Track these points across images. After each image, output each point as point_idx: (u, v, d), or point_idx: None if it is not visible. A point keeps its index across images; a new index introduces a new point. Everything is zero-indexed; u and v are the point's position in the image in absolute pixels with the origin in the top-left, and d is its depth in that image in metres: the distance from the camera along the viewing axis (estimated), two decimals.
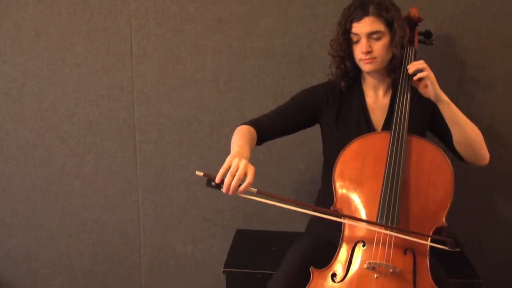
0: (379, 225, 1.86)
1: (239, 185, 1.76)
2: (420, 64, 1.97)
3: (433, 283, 1.83)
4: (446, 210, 1.93)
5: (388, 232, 1.85)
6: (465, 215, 2.69)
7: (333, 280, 1.86)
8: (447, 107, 1.98)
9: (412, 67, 1.98)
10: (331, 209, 1.97)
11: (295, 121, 2.19)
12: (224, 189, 1.77)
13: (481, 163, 2.11)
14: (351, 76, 2.17)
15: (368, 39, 2.03)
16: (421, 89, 1.98)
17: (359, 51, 2.06)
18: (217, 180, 1.78)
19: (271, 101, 2.68)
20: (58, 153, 2.87)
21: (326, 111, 2.18)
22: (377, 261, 1.83)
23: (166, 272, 2.96)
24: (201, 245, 2.91)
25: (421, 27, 2.28)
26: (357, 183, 1.97)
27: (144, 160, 2.83)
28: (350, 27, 2.06)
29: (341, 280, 1.85)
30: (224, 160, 2.73)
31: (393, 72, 2.11)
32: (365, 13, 2.02)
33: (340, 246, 1.92)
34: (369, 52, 2.04)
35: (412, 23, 2.23)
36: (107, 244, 2.98)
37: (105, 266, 3.01)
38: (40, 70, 2.78)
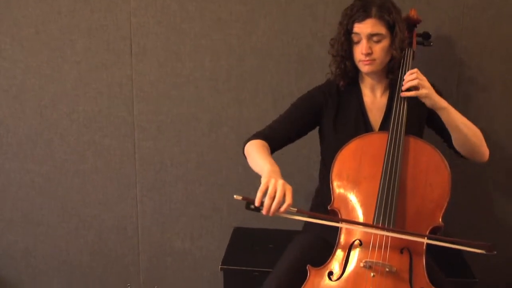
0: (381, 228, 1.87)
1: (279, 207, 1.77)
2: (413, 81, 1.98)
3: (429, 282, 1.84)
4: (443, 210, 1.94)
5: (387, 234, 1.86)
6: (462, 215, 2.72)
7: (330, 279, 1.87)
8: (446, 113, 2.00)
9: (405, 84, 2.00)
10: (328, 208, 1.98)
11: (299, 128, 2.21)
12: (264, 212, 1.79)
13: (481, 160, 2.13)
14: (350, 75, 2.19)
15: (369, 41, 2.05)
16: (419, 98, 2.01)
17: (359, 52, 2.08)
18: (257, 203, 1.78)
19: (270, 101, 2.69)
20: (57, 149, 2.88)
21: (326, 113, 2.19)
22: (374, 260, 1.84)
23: (164, 269, 2.98)
24: (199, 242, 2.92)
25: (419, 29, 2.30)
26: (354, 183, 1.98)
27: (143, 157, 2.85)
28: (352, 28, 2.07)
29: (338, 279, 1.86)
30: (222, 158, 2.77)
31: (391, 73, 2.13)
32: (367, 15, 2.03)
33: (337, 245, 1.93)
34: (369, 54, 2.05)
35: (411, 24, 2.25)
36: (106, 241, 2.99)
37: (104, 262, 3.03)
38: (39, 68, 2.79)
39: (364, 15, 2.03)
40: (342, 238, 1.94)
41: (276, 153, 2.70)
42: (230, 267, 2.43)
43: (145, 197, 2.90)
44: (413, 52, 2.19)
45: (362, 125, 2.16)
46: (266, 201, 1.76)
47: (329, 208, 1.98)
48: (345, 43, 2.11)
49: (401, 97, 2.05)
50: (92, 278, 3.05)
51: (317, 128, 2.26)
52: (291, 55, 2.65)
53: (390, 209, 1.88)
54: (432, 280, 1.85)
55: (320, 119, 2.21)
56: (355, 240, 1.91)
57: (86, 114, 2.82)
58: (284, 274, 2.00)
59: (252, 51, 2.66)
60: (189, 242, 2.93)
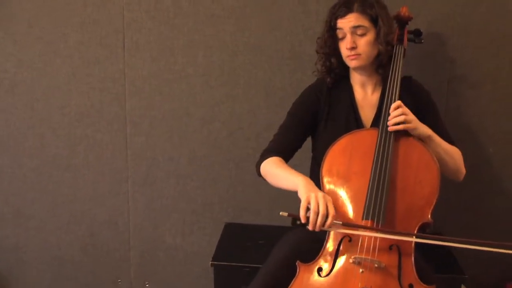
0: (371, 229, 1.88)
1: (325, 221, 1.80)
2: (399, 117, 1.99)
3: (417, 278, 1.84)
4: (432, 207, 1.95)
5: (379, 235, 1.87)
6: (452, 212, 2.73)
7: (319, 274, 1.88)
8: (430, 140, 2.04)
9: (391, 119, 2.01)
10: None
11: (303, 133, 2.24)
12: (311, 227, 1.81)
13: (456, 180, 2.19)
14: (337, 72, 2.20)
15: (353, 35, 2.07)
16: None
17: (344, 48, 2.10)
18: (302, 220, 1.81)
19: (262, 97, 2.69)
20: (49, 144, 2.88)
21: (320, 111, 2.21)
22: (363, 256, 1.85)
23: (155, 264, 2.98)
24: (190, 238, 2.92)
25: (411, 26, 2.31)
26: (344, 179, 1.99)
27: (135, 152, 2.84)
28: (335, 24, 2.10)
29: (327, 275, 1.87)
30: (214, 153, 2.77)
31: (381, 68, 2.14)
32: (349, 10, 2.07)
33: (327, 241, 1.94)
34: (353, 48, 2.07)
35: (402, 22, 2.25)
36: (97, 236, 2.99)
37: (95, 257, 3.02)
38: (32, 62, 2.78)
39: (346, 10, 2.07)
40: (332, 235, 1.94)
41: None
42: (221, 262, 2.43)
43: (137, 192, 2.90)
44: (404, 49, 2.20)
45: (354, 122, 2.17)
46: (311, 216, 1.80)
47: None
48: (329, 40, 2.14)
49: (392, 94, 2.07)
50: (82, 273, 3.04)
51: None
52: (284, 51, 2.65)
53: (379, 205, 1.89)
54: (420, 276, 1.86)
55: (316, 118, 2.22)
56: (344, 237, 1.92)
57: (78, 109, 2.82)
58: (274, 270, 2.01)
59: (244, 47, 2.67)
60: (180, 237, 2.93)
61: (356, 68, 2.16)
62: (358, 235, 1.89)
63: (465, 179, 2.67)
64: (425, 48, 2.49)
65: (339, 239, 1.92)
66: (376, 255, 1.85)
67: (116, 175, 2.89)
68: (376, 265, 1.84)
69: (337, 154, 2.04)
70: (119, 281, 3.02)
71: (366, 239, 1.88)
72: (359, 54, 2.09)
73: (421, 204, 1.95)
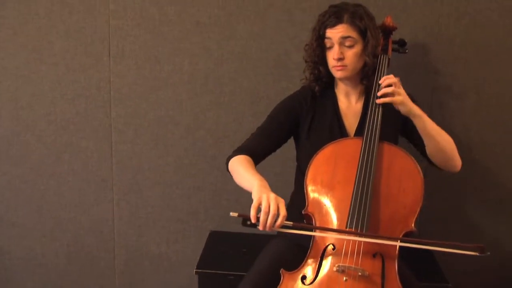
0: (354, 233, 1.88)
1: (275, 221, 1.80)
2: (389, 88, 1.99)
3: (401, 286, 1.85)
4: (415, 215, 1.96)
5: (368, 239, 1.88)
6: (436, 220, 2.75)
7: (303, 283, 1.88)
8: (420, 120, 2.02)
9: (382, 87, 2.01)
10: (303, 213, 1.99)
11: (279, 138, 2.23)
12: (261, 227, 1.81)
13: (453, 170, 2.15)
14: (325, 81, 2.21)
15: (341, 46, 2.08)
16: (394, 105, 2.02)
17: (331, 58, 2.11)
18: (252, 220, 1.81)
19: (247, 105, 2.70)
20: (34, 151, 2.87)
21: (302, 119, 2.21)
22: (346, 265, 1.85)
23: (140, 272, 2.97)
24: (175, 246, 2.92)
25: (395, 36, 2.33)
26: (328, 188, 2.00)
27: (120, 160, 2.84)
28: (324, 33, 2.10)
29: (311, 283, 1.87)
30: (200, 161, 2.77)
31: (366, 79, 2.15)
32: (339, 21, 2.07)
33: (311, 249, 1.94)
34: (340, 59, 2.08)
35: (387, 31, 2.27)
36: (82, 244, 2.98)
37: (79, 265, 3.01)
38: (17, 69, 2.77)
39: (335, 21, 2.07)
40: (316, 243, 1.95)
41: None
42: (205, 270, 2.43)
43: (122, 200, 2.89)
44: (389, 59, 2.21)
45: (337, 131, 2.17)
46: (262, 216, 1.79)
47: (303, 212, 1.99)
48: (317, 48, 2.14)
49: (376, 103, 2.07)
50: (67, 281, 3.03)
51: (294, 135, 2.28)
52: (269, 59, 2.66)
53: (363, 213, 1.90)
54: (404, 284, 1.86)
55: (297, 126, 2.22)
56: (328, 245, 1.92)
57: (63, 116, 2.81)
58: (258, 278, 2.01)
59: (230, 55, 2.67)
60: (165, 245, 2.92)
61: (342, 78, 2.17)
62: (342, 243, 1.89)
63: (448, 188, 2.70)
64: (410, 58, 2.51)
65: (323, 247, 1.93)
66: (359, 263, 1.86)
67: (101, 183, 2.88)
68: (359, 273, 1.84)
69: (321, 163, 2.04)
70: None
71: (350, 247, 1.88)
72: (345, 66, 2.10)
73: (404, 213, 1.96)
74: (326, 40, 2.11)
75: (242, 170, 2.02)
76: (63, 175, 2.89)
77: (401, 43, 2.36)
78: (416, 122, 2.03)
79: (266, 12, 2.62)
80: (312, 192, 2.01)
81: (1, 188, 2.92)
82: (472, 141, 2.68)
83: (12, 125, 2.84)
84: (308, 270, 1.91)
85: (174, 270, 2.95)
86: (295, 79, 2.45)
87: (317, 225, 1.97)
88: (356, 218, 1.89)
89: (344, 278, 1.84)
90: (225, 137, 2.75)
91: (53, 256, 3.00)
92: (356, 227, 1.88)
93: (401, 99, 1.99)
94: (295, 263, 1.94)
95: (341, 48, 2.08)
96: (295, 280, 1.89)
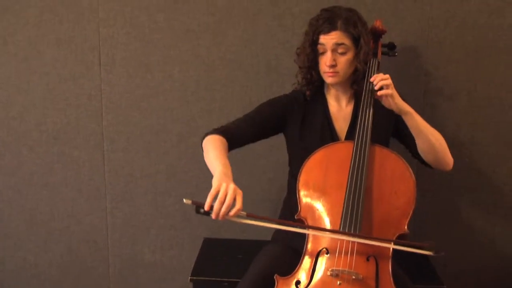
0: (344, 233, 1.88)
1: (229, 211, 1.76)
2: (386, 80, 1.98)
3: None
4: (408, 218, 1.96)
5: (356, 239, 1.88)
6: (430, 223, 2.75)
7: None
8: (411, 118, 2.02)
9: (378, 81, 1.98)
10: (295, 217, 1.99)
11: (262, 130, 2.21)
12: (213, 216, 1.77)
13: (445, 168, 2.15)
14: (316, 85, 2.21)
15: (333, 53, 2.07)
16: (384, 102, 2.01)
17: (323, 63, 2.10)
18: (206, 208, 1.77)
19: (239, 111, 2.65)
20: (26, 161, 2.86)
21: (292, 121, 2.21)
22: (340, 268, 1.85)
23: (134, 281, 2.95)
24: (169, 254, 2.91)
25: (385, 39, 2.33)
26: (320, 192, 2.00)
27: (113, 169, 2.83)
28: (318, 39, 2.10)
29: None
30: (192, 169, 2.76)
31: (356, 84, 2.15)
32: (333, 27, 2.06)
33: (304, 254, 1.94)
34: (333, 66, 2.08)
35: (376, 35, 2.27)
36: (75, 254, 2.96)
37: (74, 275, 2.99)
38: (8, 79, 2.77)
39: (329, 27, 2.06)
40: (309, 247, 1.95)
41: (245, 164, 2.73)
42: (200, 278, 2.42)
43: (115, 209, 2.88)
44: (378, 62, 2.21)
45: (328, 134, 2.18)
46: (216, 205, 1.75)
47: (296, 217, 1.99)
48: (311, 54, 2.13)
49: (366, 106, 2.07)
50: None
51: (286, 139, 2.28)
52: (260, 65, 2.67)
53: (356, 217, 1.89)
54: (398, 287, 1.87)
55: (284, 126, 2.22)
56: (322, 249, 1.92)
57: (55, 126, 2.81)
58: (252, 284, 1.99)
59: (221, 62, 2.67)
60: (160, 253, 2.91)
61: (332, 84, 2.17)
62: (335, 247, 1.89)
63: (440, 189, 2.70)
64: (400, 61, 2.52)
65: (317, 251, 1.92)
66: (353, 266, 1.86)
67: (94, 191, 2.87)
68: (353, 277, 1.84)
69: (313, 167, 2.04)
70: None
71: (343, 251, 1.88)
72: (337, 72, 2.10)
73: (397, 215, 1.96)
74: (319, 46, 2.11)
75: (211, 151, 1.99)
76: (55, 185, 2.88)
77: (391, 47, 2.36)
78: (408, 120, 2.02)
79: (256, 17, 2.62)
80: (305, 197, 2.01)
81: None
82: (464, 142, 2.68)
83: (3, 135, 2.83)
84: (302, 275, 1.91)
85: (168, 278, 2.93)
86: (286, 84, 2.45)
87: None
88: (349, 221, 1.89)
89: (338, 282, 1.84)
90: None
91: (47, 266, 2.99)
92: (349, 231, 1.88)
93: (395, 94, 1.98)
94: (289, 269, 1.94)
95: (334, 55, 2.08)
96: (289, 286, 1.89)
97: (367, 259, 1.89)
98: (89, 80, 2.75)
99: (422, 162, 2.17)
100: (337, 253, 1.89)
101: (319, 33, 2.09)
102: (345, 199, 1.93)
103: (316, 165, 2.04)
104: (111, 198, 2.87)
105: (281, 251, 2.14)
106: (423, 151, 2.09)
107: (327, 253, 1.91)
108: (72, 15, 2.68)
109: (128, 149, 2.80)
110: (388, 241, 1.91)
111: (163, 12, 2.65)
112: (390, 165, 2.03)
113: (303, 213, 1.99)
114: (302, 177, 2.03)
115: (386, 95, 1.97)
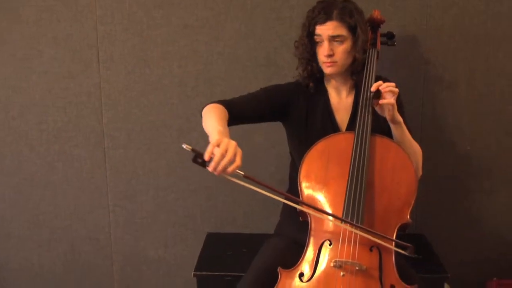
0: (345, 221, 1.88)
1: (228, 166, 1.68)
2: (394, 89, 1.95)
3: (399, 279, 1.85)
4: (410, 207, 1.95)
5: (353, 229, 1.87)
6: (434, 213, 2.75)
7: (301, 280, 1.88)
8: (399, 127, 2.03)
9: (386, 86, 1.95)
10: (298, 209, 1.98)
11: (263, 112, 2.19)
12: (211, 168, 1.69)
13: None
14: (318, 76, 2.20)
15: (330, 43, 2.07)
16: (379, 110, 2.00)
17: (321, 54, 2.10)
18: (206, 157, 1.69)
19: None
20: (27, 161, 2.85)
21: (294, 111, 2.21)
22: (344, 259, 1.85)
23: (138, 278, 2.96)
24: (172, 250, 2.91)
25: (383, 29, 2.32)
26: (322, 183, 1.99)
27: (114, 166, 2.83)
28: (314, 29, 2.09)
29: (309, 280, 1.87)
30: (194, 164, 2.75)
31: (356, 74, 2.15)
32: (328, 17, 2.05)
33: (307, 246, 1.94)
34: (330, 56, 2.07)
35: (375, 25, 2.27)
36: (79, 252, 2.97)
37: (77, 274, 2.99)
38: (7, 78, 2.76)
39: (325, 17, 2.05)
40: (312, 239, 1.94)
41: (248, 158, 2.71)
42: (203, 272, 2.42)
43: (117, 206, 2.88)
44: (378, 52, 2.20)
45: (330, 125, 2.17)
46: (217, 156, 1.66)
47: (298, 209, 1.99)
48: (308, 45, 2.13)
49: (366, 96, 2.06)
50: None
51: (287, 131, 2.28)
52: (259, 58, 2.66)
53: (358, 207, 1.89)
54: (402, 276, 1.86)
55: (286, 114, 2.21)
56: (324, 241, 1.92)
57: (55, 124, 2.80)
58: (256, 277, 2.00)
59: (219, 56, 2.67)
60: (163, 249, 2.91)
61: (331, 74, 2.16)
62: (338, 238, 1.89)
63: (442, 178, 2.70)
64: (400, 51, 2.52)
65: (320, 243, 1.92)
66: (356, 257, 1.85)
67: (96, 189, 2.87)
68: (357, 268, 1.84)
69: (314, 159, 2.03)
70: None
71: (346, 242, 1.87)
72: (335, 62, 2.10)
73: (399, 205, 1.96)
74: (316, 37, 2.11)
75: (212, 116, 1.95)
76: (57, 183, 2.88)
77: (390, 36, 2.36)
78: (396, 129, 2.03)
79: (254, 11, 2.62)
80: (306, 189, 2.00)
81: None
82: (464, 130, 2.68)
83: (4, 135, 2.83)
84: (306, 267, 1.90)
85: (172, 274, 2.93)
86: (286, 77, 2.44)
87: (313, 220, 1.96)
88: (351, 212, 1.89)
89: (342, 273, 1.84)
90: None
91: (51, 265, 2.99)
92: (352, 221, 1.87)
93: (395, 103, 1.97)
94: (292, 261, 1.93)
95: (331, 45, 2.08)
96: (292, 278, 1.89)
97: (370, 250, 1.89)
98: (88, 78, 2.74)
99: None
100: (339, 244, 1.88)
101: (315, 24, 2.09)
102: (347, 189, 1.93)
103: (317, 156, 2.03)
104: (113, 195, 2.87)
105: (284, 245, 2.14)
106: None
107: (330, 245, 1.90)
108: (69, 13, 2.67)
109: (129, 145, 2.80)
110: (381, 236, 1.89)
111: (161, 8, 2.64)
112: (391, 155, 2.02)
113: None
114: (304, 169, 2.02)
115: (387, 104, 1.96)
